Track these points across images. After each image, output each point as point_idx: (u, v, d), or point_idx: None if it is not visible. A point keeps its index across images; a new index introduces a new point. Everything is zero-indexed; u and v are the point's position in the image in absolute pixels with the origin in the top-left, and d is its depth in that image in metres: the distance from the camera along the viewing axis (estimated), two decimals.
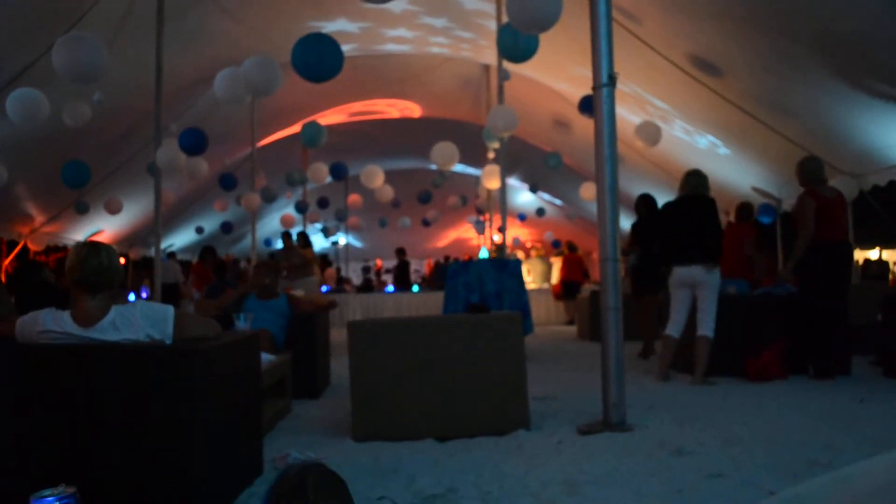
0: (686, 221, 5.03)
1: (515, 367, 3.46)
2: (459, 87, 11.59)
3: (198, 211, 15.06)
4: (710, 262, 4.88)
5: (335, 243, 20.02)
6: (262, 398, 3.01)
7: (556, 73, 9.60)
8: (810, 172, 5.10)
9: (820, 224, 4.90)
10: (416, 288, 13.33)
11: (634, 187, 12.36)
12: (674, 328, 5.06)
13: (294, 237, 10.19)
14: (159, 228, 7.00)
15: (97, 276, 2.32)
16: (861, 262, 13.74)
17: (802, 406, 3.91)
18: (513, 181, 16.49)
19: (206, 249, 11.06)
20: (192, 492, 2.15)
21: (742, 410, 3.84)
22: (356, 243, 21.17)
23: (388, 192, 12.73)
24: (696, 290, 4.95)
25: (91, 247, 2.38)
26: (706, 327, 4.87)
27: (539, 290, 12.62)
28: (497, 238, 10.27)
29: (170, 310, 2.43)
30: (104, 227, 11.90)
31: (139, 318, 2.35)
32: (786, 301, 5.32)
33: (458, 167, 14.91)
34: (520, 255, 16.42)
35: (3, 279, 9.80)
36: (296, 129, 11.76)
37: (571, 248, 12.64)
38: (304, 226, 14.29)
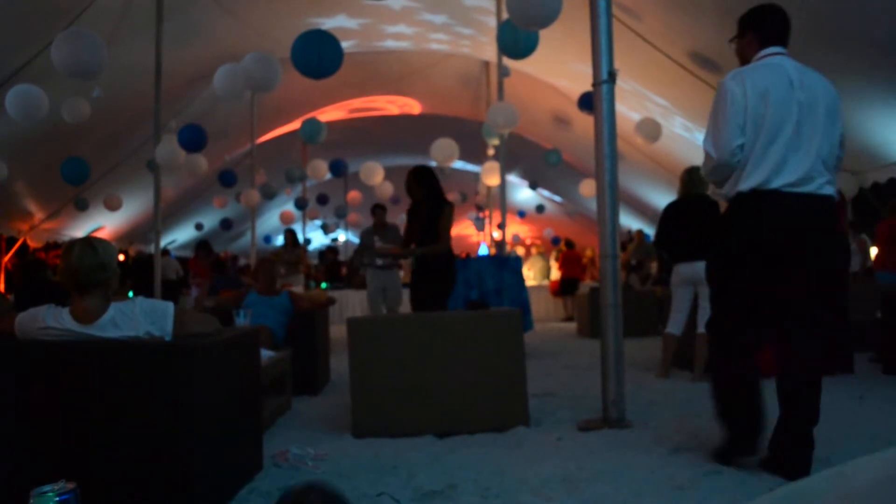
0: (689, 220, 5.03)
1: (515, 363, 3.46)
2: (459, 83, 11.57)
3: (197, 208, 15.07)
4: None
5: (335, 240, 20.03)
6: (261, 394, 3.01)
7: (556, 70, 9.59)
8: None
9: None
10: None
11: (635, 184, 12.39)
12: (675, 326, 5.07)
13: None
14: (159, 225, 7.00)
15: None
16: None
17: None
18: (512, 178, 16.49)
19: (201, 244, 10.97)
20: (191, 487, 2.15)
21: None
22: (356, 240, 21.18)
23: (387, 189, 12.74)
24: (698, 288, 4.96)
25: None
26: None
27: (539, 287, 12.63)
28: (497, 235, 10.27)
29: (169, 306, 2.43)
30: (104, 224, 11.89)
31: (139, 315, 2.34)
32: None
33: (458, 164, 14.91)
34: (519, 251, 16.41)
35: (3, 276, 9.81)
36: (295, 125, 11.75)
37: (569, 245, 12.67)
38: (304, 222, 14.30)
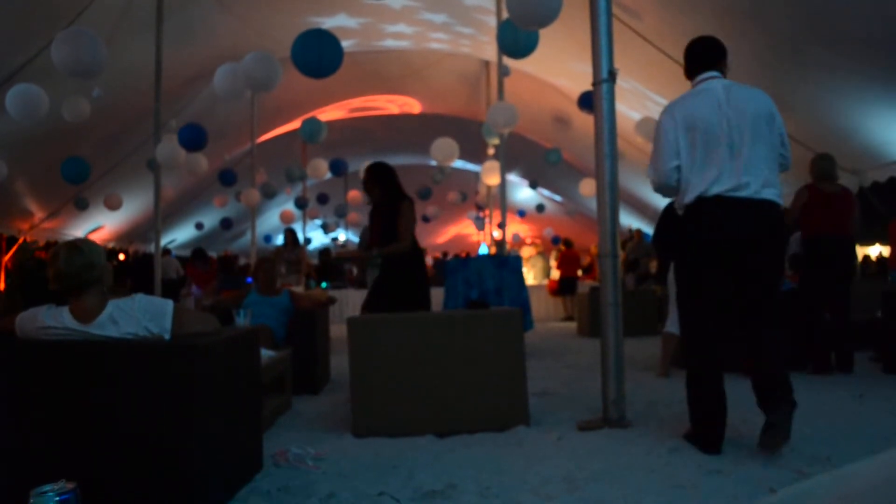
0: None
1: (515, 363, 3.46)
2: (459, 82, 11.58)
3: (197, 207, 15.07)
4: None
5: (335, 239, 20.04)
6: (261, 394, 3.01)
7: (556, 69, 9.59)
8: (818, 168, 5.18)
9: (818, 219, 4.95)
10: None
11: (635, 183, 12.37)
12: (674, 325, 5.06)
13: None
14: (159, 224, 7.01)
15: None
16: (860, 258, 13.75)
17: (801, 402, 3.87)
18: (513, 177, 16.49)
19: (196, 253, 10.90)
20: (191, 487, 2.15)
21: (741, 406, 3.83)
22: (356, 239, 21.18)
23: None
24: None
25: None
26: None
27: (539, 287, 12.64)
28: (497, 234, 10.27)
29: (168, 304, 2.43)
30: (104, 223, 11.90)
31: (137, 312, 2.34)
32: (784, 297, 5.33)
33: (458, 163, 14.92)
34: (524, 251, 16.40)
35: (3, 275, 9.81)
36: (295, 124, 11.76)
37: (568, 244, 12.67)
38: (304, 222, 14.31)
